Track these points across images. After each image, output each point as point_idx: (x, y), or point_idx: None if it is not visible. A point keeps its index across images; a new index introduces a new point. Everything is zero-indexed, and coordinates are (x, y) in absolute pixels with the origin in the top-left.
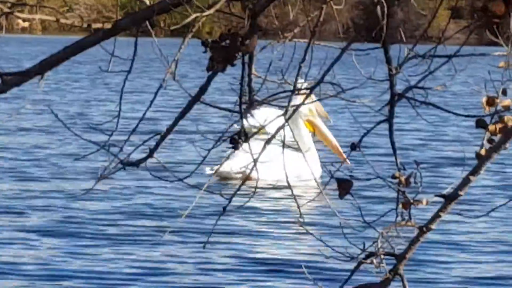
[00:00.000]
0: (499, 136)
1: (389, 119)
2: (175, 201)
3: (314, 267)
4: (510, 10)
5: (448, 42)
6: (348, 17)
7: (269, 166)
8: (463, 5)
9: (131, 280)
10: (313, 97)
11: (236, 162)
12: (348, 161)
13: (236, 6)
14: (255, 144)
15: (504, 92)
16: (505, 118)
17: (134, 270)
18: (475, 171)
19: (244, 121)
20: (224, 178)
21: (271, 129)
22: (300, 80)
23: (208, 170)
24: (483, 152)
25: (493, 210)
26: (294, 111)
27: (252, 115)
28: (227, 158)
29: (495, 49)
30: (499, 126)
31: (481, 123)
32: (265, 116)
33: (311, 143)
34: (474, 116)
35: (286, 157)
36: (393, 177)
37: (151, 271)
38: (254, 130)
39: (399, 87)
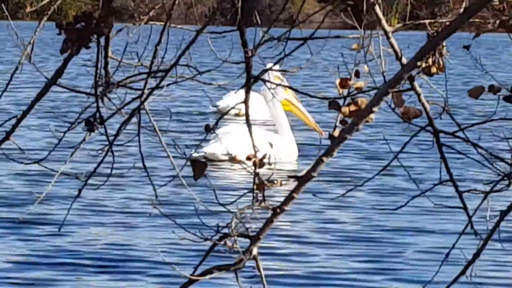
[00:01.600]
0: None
1: (245, 101)
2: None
3: (169, 250)
4: None
5: (315, 26)
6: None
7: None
8: None
9: None
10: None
11: (221, 145)
12: (322, 133)
13: None
14: (237, 126)
15: (357, 74)
16: (358, 100)
17: None
18: (328, 153)
19: (220, 101)
20: (211, 160)
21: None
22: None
23: (194, 154)
24: (336, 133)
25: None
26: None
27: (108, 98)
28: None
29: (352, 32)
30: (352, 108)
31: (334, 105)
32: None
33: (287, 124)
34: (328, 99)
35: (263, 137)
36: (248, 158)
37: None
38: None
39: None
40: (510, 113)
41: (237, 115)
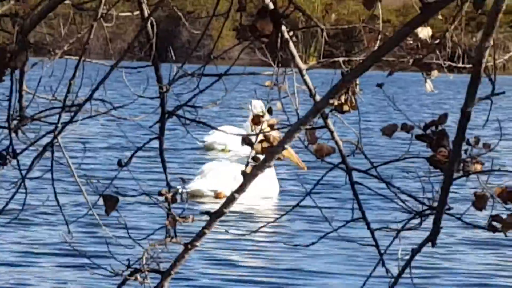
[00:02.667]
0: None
1: (160, 136)
2: None
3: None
4: (278, 29)
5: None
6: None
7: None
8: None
9: None
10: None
11: (206, 180)
12: (305, 168)
13: (7, 22)
14: (224, 163)
15: (270, 111)
16: (271, 137)
17: None
18: (240, 189)
19: (207, 137)
20: (195, 196)
21: (234, 146)
22: (257, 102)
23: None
24: (248, 169)
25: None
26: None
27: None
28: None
29: (264, 69)
30: (264, 144)
31: (246, 141)
32: (226, 135)
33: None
34: (241, 135)
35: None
36: (160, 194)
37: None
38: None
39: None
40: (422, 151)
41: (222, 150)
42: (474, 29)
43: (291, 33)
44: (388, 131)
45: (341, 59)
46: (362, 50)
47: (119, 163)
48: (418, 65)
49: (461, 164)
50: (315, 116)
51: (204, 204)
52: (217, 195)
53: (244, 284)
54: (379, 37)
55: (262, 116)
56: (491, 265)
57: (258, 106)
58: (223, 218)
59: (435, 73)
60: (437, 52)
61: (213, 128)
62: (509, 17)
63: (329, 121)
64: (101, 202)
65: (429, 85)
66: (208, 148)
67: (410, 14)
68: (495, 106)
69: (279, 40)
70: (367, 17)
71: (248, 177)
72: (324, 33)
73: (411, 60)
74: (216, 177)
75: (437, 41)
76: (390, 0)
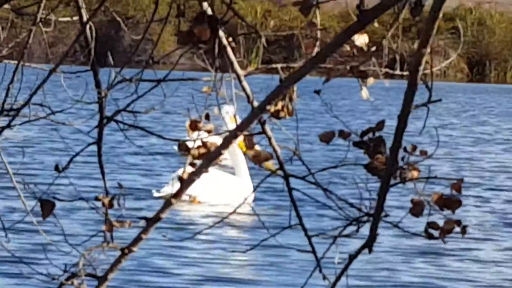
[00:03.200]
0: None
1: (98, 141)
2: None
3: None
4: (216, 35)
5: (178, 68)
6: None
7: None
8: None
9: None
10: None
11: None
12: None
13: None
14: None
15: (207, 117)
16: (208, 142)
17: None
18: (177, 195)
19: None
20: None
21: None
22: (227, 108)
23: (155, 193)
24: (185, 175)
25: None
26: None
27: None
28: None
29: (204, 75)
30: (201, 150)
31: (183, 147)
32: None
33: (245, 166)
34: (177, 140)
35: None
36: (97, 199)
37: None
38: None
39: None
40: (361, 158)
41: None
42: (415, 35)
43: (230, 39)
44: (326, 138)
45: (279, 66)
46: (300, 57)
47: (57, 168)
48: (354, 72)
49: (398, 171)
50: (252, 122)
51: (143, 210)
52: (192, 200)
53: None
54: (317, 43)
55: (199, 122)
56: (428, 273)
57: (230, 111)
58: (159, 224)
59: (370, 80)
60: (374, 59)
61: (151, 133)
62: (450, 23)
63: (267, 127)
64: (38, 207)
65: (364, 93)
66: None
67: (352, 21)
68: (434, 113)
69: (216, 46)
70: (305, 23)
71: (184, 183)
72: (263, 40)
73: (348, 67)
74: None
75: (374, 48)
76: (331, 6)
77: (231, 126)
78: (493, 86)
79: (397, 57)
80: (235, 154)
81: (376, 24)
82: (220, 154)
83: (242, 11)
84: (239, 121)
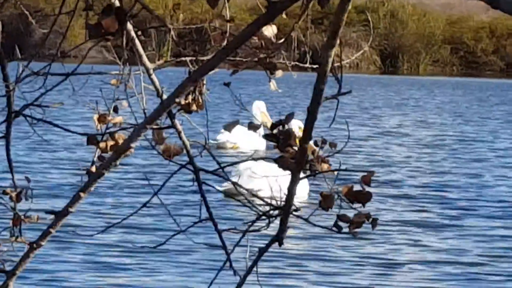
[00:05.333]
0: (110, 153)
1: (7, 136)
2: None
3: None
4: (124, 28)
5: (90, 61)
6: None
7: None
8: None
9: None
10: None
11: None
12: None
13: None
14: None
15: (116, 110)
16: (116, 135)
17: None
18: (85, 188)
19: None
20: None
21: (244, 145)
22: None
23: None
24: (93, 169)
25: None
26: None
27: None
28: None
29: (114, 68)
30: (110, 143)
31: (91, 140)
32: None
33: None
34: (86, 134)
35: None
36: (4, 193)
37: None
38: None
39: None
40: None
41: (232, 148)
42: (328, 28)
43: (139, 32)
44: (229, 128)
45: (188, 58)
46: (209, 49)
47: None
48: (262, 64)
49: (308, 164)
50: (161, 114)
51: (48, 203)
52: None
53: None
54: (226, 36)
55: (108, 115)
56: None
57: (261, 106)
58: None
59: (279, 72)
60: (283, 51)
61: (59, 127)
62: (362, 16)
63: (177, 121)
64: None
65: (273, 84)
66: (220, 146)
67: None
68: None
69: (124, 39)
70: (214, 16)
71: (93, 177)
72: (172, 33)
73: (256, 59)
74: (250, 179)
75: (282, 40)
76: None
77: (262, 121)
78: (405, 78)
79: (307, 49)
80: None
81: (284, 16)
82: (130, 147)
83: (153, 4)
84: (268, 117)
